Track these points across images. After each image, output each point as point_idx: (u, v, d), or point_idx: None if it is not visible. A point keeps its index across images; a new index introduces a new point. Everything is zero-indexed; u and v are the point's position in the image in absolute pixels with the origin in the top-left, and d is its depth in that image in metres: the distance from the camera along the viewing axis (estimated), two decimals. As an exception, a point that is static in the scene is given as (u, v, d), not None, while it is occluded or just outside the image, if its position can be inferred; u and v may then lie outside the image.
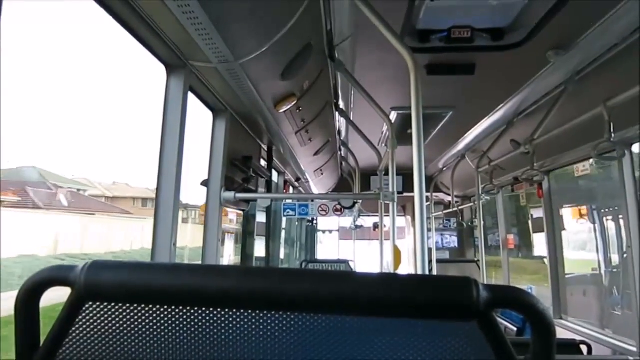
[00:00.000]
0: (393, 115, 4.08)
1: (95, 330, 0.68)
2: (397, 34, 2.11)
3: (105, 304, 0.67)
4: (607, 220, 4.33)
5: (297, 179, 6.27)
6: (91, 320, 0.68)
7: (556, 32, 2.46)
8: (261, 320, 0.67)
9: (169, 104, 2.17)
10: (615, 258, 4.16)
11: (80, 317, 0.68)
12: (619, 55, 2.53)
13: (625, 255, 3.71)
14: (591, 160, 3.83)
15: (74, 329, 0.68)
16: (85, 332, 0.68)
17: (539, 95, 3.42)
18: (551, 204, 4.79)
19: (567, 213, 4.81)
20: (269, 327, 0.67)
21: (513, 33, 2.57)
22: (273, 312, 0.66)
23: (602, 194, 4.48)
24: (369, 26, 2.08)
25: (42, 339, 0.70)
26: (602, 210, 4.42)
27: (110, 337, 0.68)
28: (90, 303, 0.67)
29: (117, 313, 0.68)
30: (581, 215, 4.70)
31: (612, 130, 2.95)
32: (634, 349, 3.31)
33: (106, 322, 0.68)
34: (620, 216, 3.75)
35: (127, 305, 0.67)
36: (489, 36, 2.58)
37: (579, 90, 3.01)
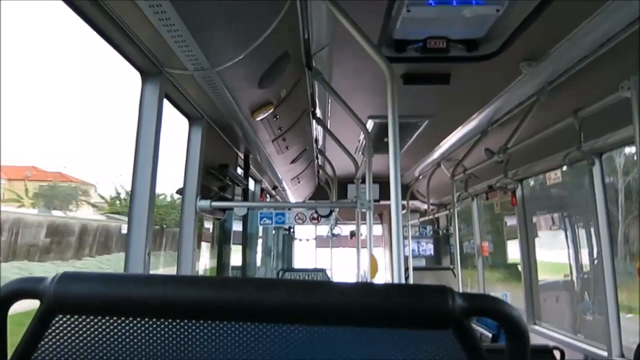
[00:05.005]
0: (370, 124, 4.10)
1: (66, 344, 0.66)
2: (374, 43, 2.12)
3: (76, 316, 0.65)
4: (578, 227, 4.43)
5: (274, 187, 6.24)
6: (61, 334, 0.66)
7: (529, 44, 2.51)
8: (237, 332, 0.66)
9: (143, 111, 2.14)
10: (586, 264, 4.25)
11: (49, 331, 0.65)
12: (589, 66, 2.59)
13: (595, 261, 3.80)
14: (564, 168, 3.93)
15: (42, 342, 0.66)
16: (55, 346, 0.66)
17: (512, 105, 3.49)
18: (524, 212, 4.88)
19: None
20: (246, 338, 0.66)
21: (487, 44, 2.62)
22: (249, 323, 0.65)
23: (573, 201, 4.59)
24: (346, 35, 2.10)
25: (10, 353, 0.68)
26: (574, 217, 4.53)
27: (81, 350, 0.66)
28: (60, 316, 0.65)
29: (88, 326, 0.66)
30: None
31: (582, 139, 3.02)
32: (605, 354, 3.38)
33: (77, 335, 0.66)
34: (591, 223, 3.84)
35: (99, 317, 0.66)
36: (464, 47, 2.63)
37: (551, 100, 3.07)
